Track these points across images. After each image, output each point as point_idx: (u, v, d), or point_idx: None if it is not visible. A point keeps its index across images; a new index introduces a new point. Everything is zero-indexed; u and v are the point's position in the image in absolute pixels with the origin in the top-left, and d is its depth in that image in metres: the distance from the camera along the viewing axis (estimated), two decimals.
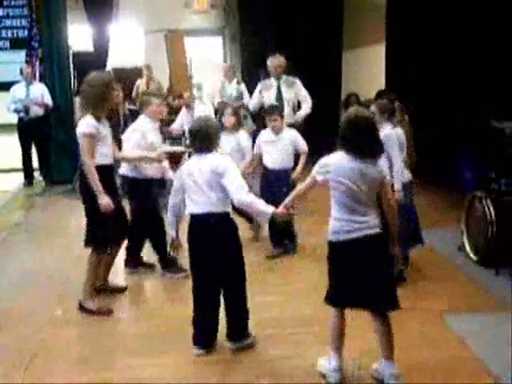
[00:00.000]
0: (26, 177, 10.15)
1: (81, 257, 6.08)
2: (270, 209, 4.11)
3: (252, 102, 8.19)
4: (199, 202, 4.14)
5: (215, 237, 4.14)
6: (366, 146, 3.66)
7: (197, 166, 4.19)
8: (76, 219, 7.74)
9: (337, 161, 3.71)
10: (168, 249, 4.64)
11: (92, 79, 4.93)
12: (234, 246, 4.22)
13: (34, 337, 4.56)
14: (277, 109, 6.45)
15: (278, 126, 6.24)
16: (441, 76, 8.79)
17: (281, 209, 4.08)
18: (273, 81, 7.81)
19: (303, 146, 6.32)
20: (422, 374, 3.95)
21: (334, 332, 3.86)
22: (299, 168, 6.24)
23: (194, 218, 4.20)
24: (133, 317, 5.12)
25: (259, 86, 7.99)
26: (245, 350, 4.26)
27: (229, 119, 6.19)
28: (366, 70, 11.68)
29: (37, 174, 10.34)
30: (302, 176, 6.23)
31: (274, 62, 7.75)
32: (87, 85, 4.90)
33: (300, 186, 4.10)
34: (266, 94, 7.79)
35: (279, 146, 6.23)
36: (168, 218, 4.46)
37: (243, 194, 4.08)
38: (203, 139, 4.23)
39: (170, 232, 4.54)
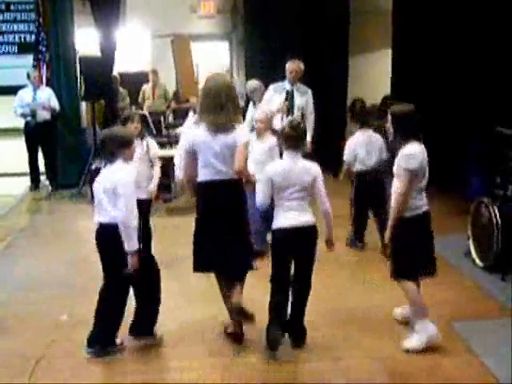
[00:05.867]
0: (32, 181, 10.16)
1: (86, 261, 6.12)
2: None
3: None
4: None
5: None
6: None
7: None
8: (82, 223, 7.77)
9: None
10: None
11: None
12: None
13: (40, 341, 4.57)
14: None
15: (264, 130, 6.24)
16: (447, 81, 8.78)
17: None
18: (286, 84, 7.62)
19: None
20: (429, 380, 3.95)
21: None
22: None
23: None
24: None
25: (271, 90, 7.66)
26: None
27: None
28: (372, 76, 11.67)
29: (43, 178, 10.34)
30: None
31: (292, 66, 7.57)
32: None
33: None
34: (275, 97, 7.58)
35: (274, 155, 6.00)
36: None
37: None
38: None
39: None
